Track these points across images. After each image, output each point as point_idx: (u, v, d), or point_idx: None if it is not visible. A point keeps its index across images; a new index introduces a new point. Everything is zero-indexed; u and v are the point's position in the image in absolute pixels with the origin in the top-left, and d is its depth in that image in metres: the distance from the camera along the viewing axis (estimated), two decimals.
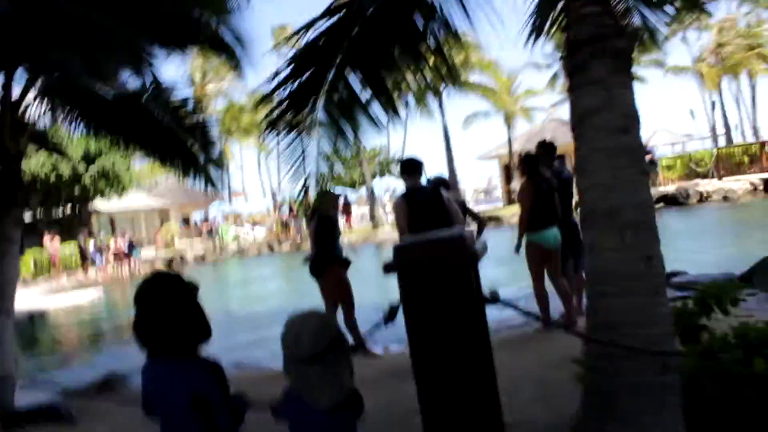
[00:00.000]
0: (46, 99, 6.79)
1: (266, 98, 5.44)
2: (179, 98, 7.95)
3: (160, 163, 8.75)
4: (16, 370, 5.83)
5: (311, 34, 4.92)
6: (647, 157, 28.41)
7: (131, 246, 30.36)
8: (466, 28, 4.67)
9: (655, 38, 5.20)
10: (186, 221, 46.08)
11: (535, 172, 6.92)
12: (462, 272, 2.97)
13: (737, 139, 43.88)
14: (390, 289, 3.58)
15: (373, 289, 8.59)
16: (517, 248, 7.02)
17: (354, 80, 5.33)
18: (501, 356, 3.49)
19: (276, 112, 5.43)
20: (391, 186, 42.48)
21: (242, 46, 7.39)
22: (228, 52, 7.62)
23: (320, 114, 5.70)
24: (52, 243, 30.53)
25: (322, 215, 7.11)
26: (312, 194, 6.68)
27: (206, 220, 39.72)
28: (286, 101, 5.33)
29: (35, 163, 31.17)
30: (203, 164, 8.72)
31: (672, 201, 25.38)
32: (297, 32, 5.05)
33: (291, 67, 5.11)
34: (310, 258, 7.16)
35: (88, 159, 31.80)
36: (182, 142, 8.31)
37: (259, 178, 79.91)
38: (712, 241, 15.13)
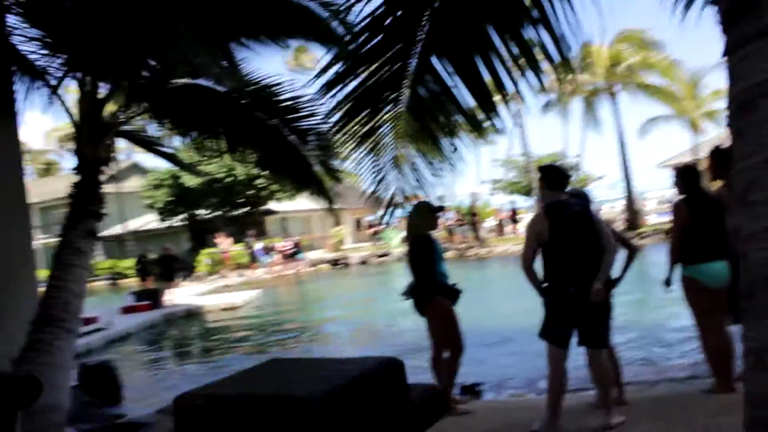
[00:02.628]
0: (130, 101, 6.29)
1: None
2: (287, 97, 7.12)
3: (265, 169, 8.03)
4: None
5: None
6: None
7: (296, 248, 30.81)
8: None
9: None
10: (358, 224, 46.53)
11: (694, 188, 5.33)
12: None
13: None
14: None
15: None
16: (667, 282, 5.45)
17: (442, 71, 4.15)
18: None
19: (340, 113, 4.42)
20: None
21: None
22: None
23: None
24: (224, 242, 31.80)
25: (417, 236, 5.85)
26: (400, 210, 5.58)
27: (372, 224, 39.59)
28: (351, 100, 4.31)
29: (215, 166, 32.74)
30: (316, 174, 7.87)
31: None
32: None
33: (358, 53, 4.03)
34: (410, 290, 5.88)
35: None
36: (292, 148, 7.48)
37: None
38: None
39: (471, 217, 31.35)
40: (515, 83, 4.02)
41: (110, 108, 6.03)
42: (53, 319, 5.08)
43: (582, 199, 5.34)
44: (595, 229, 4.79)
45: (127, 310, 17.35)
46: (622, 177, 31.29)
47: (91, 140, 5.72)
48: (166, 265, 19.11)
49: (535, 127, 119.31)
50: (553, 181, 4.95)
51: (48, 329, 5.03)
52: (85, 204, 5.61)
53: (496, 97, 4.38)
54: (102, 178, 5.79)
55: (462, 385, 6.48)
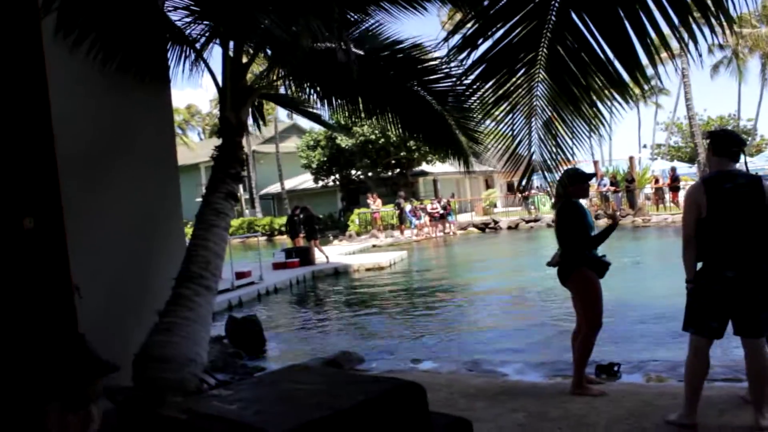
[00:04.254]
0: (272, 65, 6.42)
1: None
2: (425, 59, 7.00)
3: (405, 130, 7.97)
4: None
5: None
6: None
7: (445, 210, 30.80)
8: None
9: None
10: (510, 188, 45.74)
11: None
12: None
13: None
14: None
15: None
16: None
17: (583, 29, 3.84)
18: None
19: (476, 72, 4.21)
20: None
21: None
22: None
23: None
24: (374, 202, 32.48)
25: (564, 203, 5.51)
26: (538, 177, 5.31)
27: (524, 188, 38.71)
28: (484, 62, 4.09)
29: (367, 128, 33.34)
30: (456, 136, 7.74)
31: None
32: None
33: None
34: (556, 259, 5.64)
35: None
36: (431, 109, 7.38)
37: (590, 147, 75.67)
38: None
39: (627, 184, 29.78)
40: (664, 40, 3.66)
41: (252, 73, 6.25)
42: (193, 276, 5.34)
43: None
44: (765, 203, 4.15)
45: (278, 266, 18.20)
46: None
47: (234, 104, 5.92)
48: (309, 224, 19.85)
49: (704, 87, 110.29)
50: (722, 147, 4.33)
51: (189, 285, 5.30)
52: (226, 167, 5.84)
53: (646, 56, 4.01)
54: (243, 141, 6.00)
55: (598, 364, 6.18)
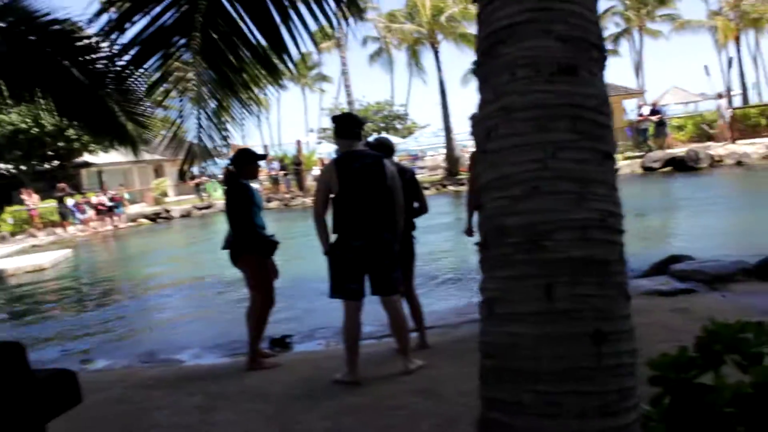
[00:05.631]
0: None
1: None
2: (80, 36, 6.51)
3: (61, 117, 7.37)
4: None
5: None
6: (655, 118, 26.80)
7: (113, 202, 29.14)
8: None
9: None
10: (182, 176, 44.73)
11: None
12: None
13: (754, 99, 41.94)
14: None
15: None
16: (468, 232, 5.73)
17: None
18: None
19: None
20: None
21: None
22: None
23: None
24: (30, 198, 29.33)
25: (234, 184, 5.57)
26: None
27: (194, 175, 38.29)
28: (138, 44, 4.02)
29: (16, 116, 30.00)
30: (119, 121, 7.33)
31: (681, 165, 23.46)
32: None
33: None
34: (227, 241, 5.70)
35: None
36: (89, 92, 6.89)
37: (260, 131, 77.61)
38: (722, 216, 13.47)
39: (295, 167, 31.18)
40: (307, 28, 3.94)
41: None
42: None
43: (383, 148, 5.38)
44: (385, 180, 4.75)
45: None
46: (443, 126, 32.24)
47: None
48: None
49: (363, 76, 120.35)
50: (344, 129, 4.84)
51: None
52: None
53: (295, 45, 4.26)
54: None
55: (271, 338, 6.44)
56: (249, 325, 5.61)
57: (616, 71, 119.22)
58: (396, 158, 6.03)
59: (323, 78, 63.80)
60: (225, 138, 5.31)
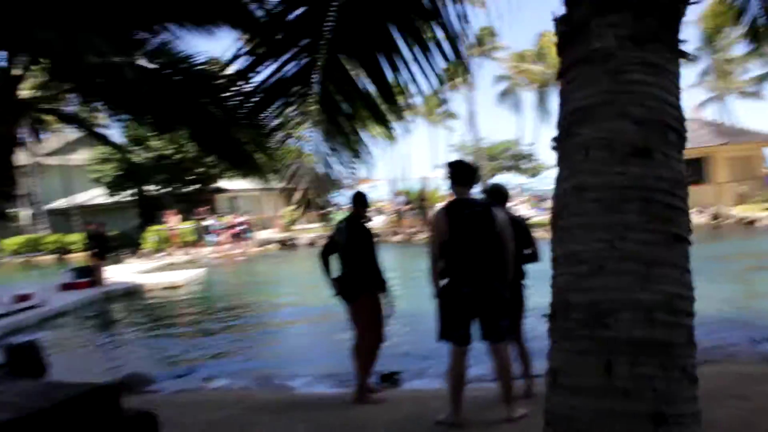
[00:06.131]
0: (53, 79, 6.16)
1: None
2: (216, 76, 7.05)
3: (202, 150, 7.96)
4: None
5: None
6: None
7: (245, 227, 30.57)
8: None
9: None
10: (304, 205, 46.07)
11: None
12: None
13: None
14: None
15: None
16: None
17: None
18: None
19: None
20: (518, 183, 39.98)
21: None
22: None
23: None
24: (172, 220, 31.34)
25: (358, 224, 5.84)
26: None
27: (321, 205, 39.37)
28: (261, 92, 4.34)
29: (162, 142, 32.23)
30: (249, 152, 7.84)
31: None
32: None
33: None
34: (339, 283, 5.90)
35: None
36: (223, 126, 7.43)
37: (389, 163, 79.37)
38: None
39: (420, 202, 31.49)
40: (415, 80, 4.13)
41: (29, 86, 5.93)
42: None
43: (498, 194, 5.44)
44: (495, 228, 4.79)
45: (66, 287, 17.05)
46: None
47: (4, 118, 5.60)
48: (99, 243, 18.68)
49: (490, 114, 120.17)
50: (457, 176, 4.95)
51: None
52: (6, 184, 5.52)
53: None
54: (17, 158, 5.69)
55: (381, 373, 6.58)
56: (355, 360, 5.78)
57: (759, 116, 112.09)
58: (523, 198, 6.04)
59: (450, 115, 64.29)
60: (350, 170, 5.56)
